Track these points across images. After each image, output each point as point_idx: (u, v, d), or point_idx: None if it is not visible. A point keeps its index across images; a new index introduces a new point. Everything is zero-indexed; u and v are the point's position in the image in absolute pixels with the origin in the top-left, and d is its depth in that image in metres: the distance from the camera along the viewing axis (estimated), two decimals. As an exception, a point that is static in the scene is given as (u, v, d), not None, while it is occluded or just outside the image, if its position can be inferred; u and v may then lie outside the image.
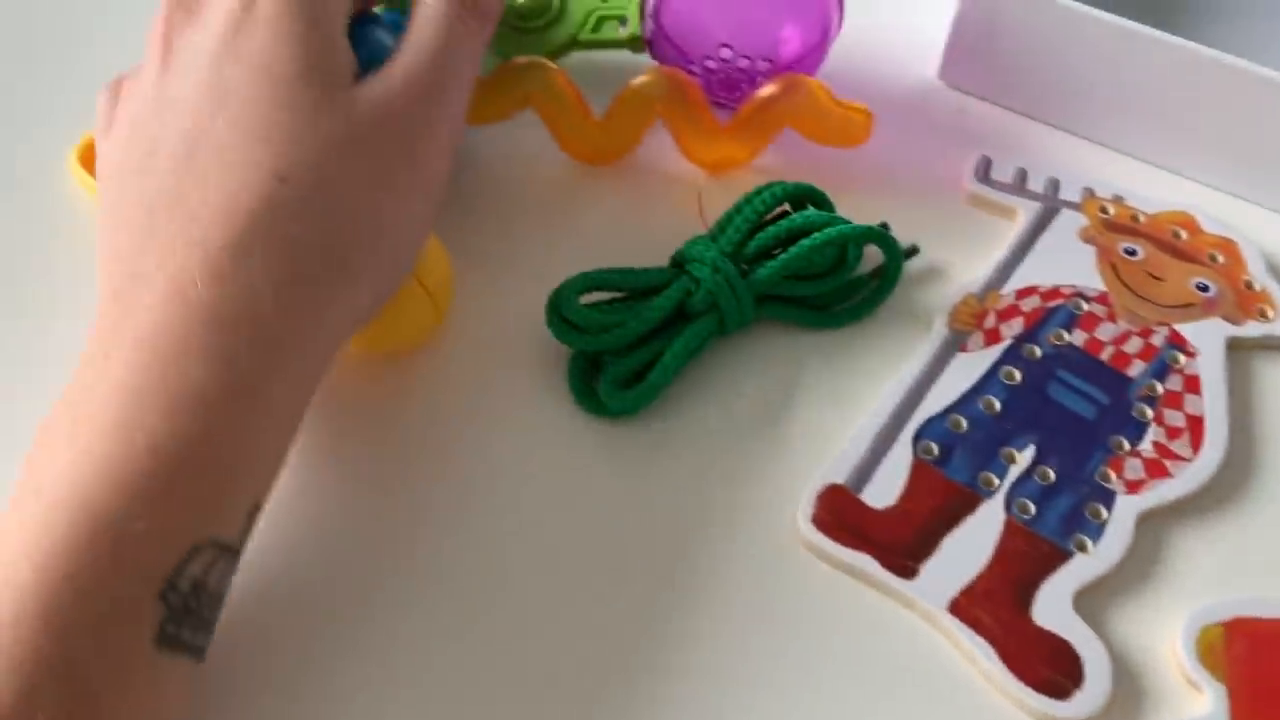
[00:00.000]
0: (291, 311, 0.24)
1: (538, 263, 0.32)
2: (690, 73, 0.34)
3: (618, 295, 0.32)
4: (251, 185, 0.24)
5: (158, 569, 0.22)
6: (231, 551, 0.23)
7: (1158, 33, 0.33)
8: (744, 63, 0.35)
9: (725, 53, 0.34)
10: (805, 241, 0.31)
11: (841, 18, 0.35)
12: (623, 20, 0.36)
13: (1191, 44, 0.33)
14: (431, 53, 0.27)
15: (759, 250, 0.31)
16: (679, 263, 0.31)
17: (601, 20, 0.36)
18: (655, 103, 0.33)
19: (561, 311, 0.30)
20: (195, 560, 0.22)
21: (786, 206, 0.33)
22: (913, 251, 0.33)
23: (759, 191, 0.32)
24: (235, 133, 0.25)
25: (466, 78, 0.28)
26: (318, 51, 0.25)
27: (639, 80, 0.33)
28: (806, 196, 0.33)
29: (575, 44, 0.36)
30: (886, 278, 0.32)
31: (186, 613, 0.22)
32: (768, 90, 0.33)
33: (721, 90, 0.35)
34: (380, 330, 0.28)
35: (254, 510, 0.24)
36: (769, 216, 0.32)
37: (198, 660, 0.23)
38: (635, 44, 0.36)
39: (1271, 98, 0.33)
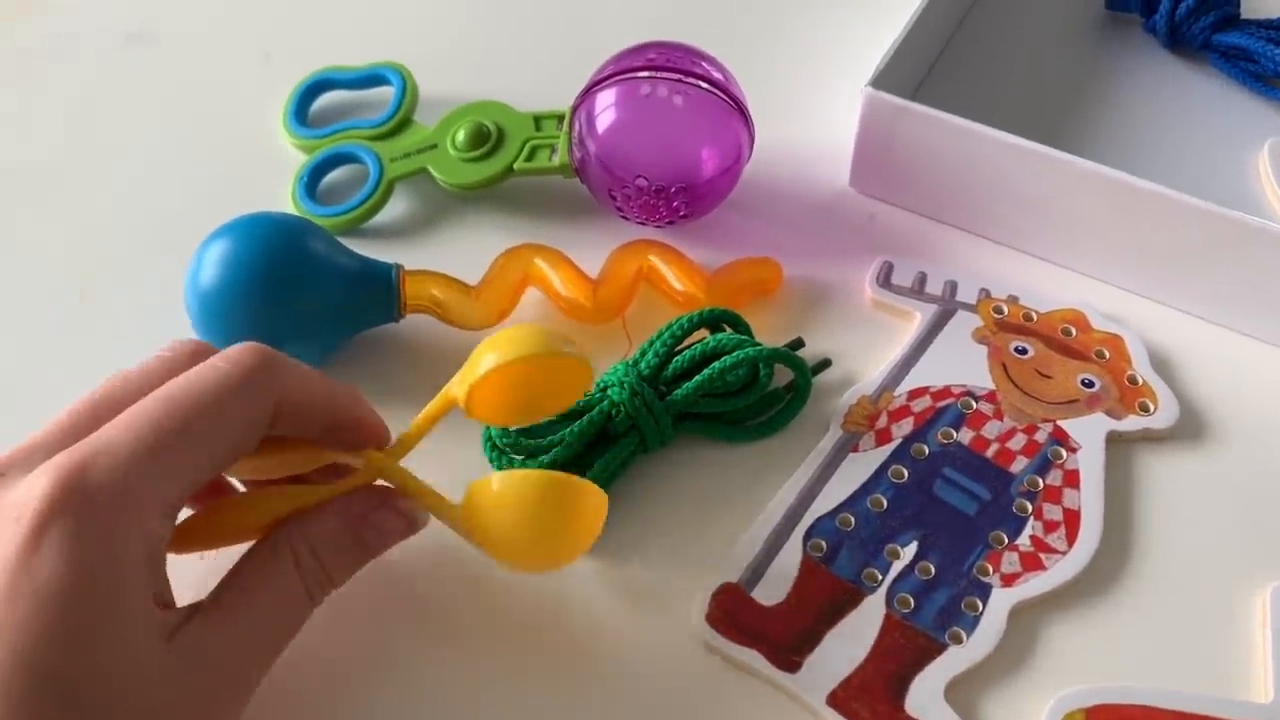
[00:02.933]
0: None
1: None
2: (613, 196, 0.37)
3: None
4: None
5: None
6: None
7: (1042, 147, 0.36)
8: (662, 185, 0.37)
9: (641, 182, 0.37)
10: (717, 364, 0.33)
11: (753, 141, 0.38)
12: (553, 148, 0.39)
13: (1073, 157, 0.36)
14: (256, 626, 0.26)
15: (677, 372, 0.34)
16: (603, 387, 0.34)
17: (535, 149, 0.40)
18: (527, 273, 0.36)
19: (491, 434, 0.33)
20: None
21: (705, 331, 0.35)
22: (824, 365, 0.36)
23: (678, 318, 0.35)
24: None
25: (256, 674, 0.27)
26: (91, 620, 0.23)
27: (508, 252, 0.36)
28: (722, 319, 0.35)
29: (511, 172, 0.39)
30: (798, 394, 0.35)
31: None
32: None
33: (642, 213, 0.38)
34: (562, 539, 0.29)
35: None
36: (688, 341, 0.35)
37: None
38: (565, 170, 0.39)
39: (1148, 203, 0.35)
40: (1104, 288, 0.38)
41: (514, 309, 0.36)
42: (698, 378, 0.33)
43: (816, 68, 0.45)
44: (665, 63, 0.36)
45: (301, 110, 0.43)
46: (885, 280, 0.37)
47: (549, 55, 0.46)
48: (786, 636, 0.30)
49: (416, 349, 0.36)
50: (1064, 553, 0.31)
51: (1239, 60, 0.44)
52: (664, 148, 0.37)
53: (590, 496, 0.29)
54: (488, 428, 0.33)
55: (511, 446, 0.33)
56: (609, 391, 0.33)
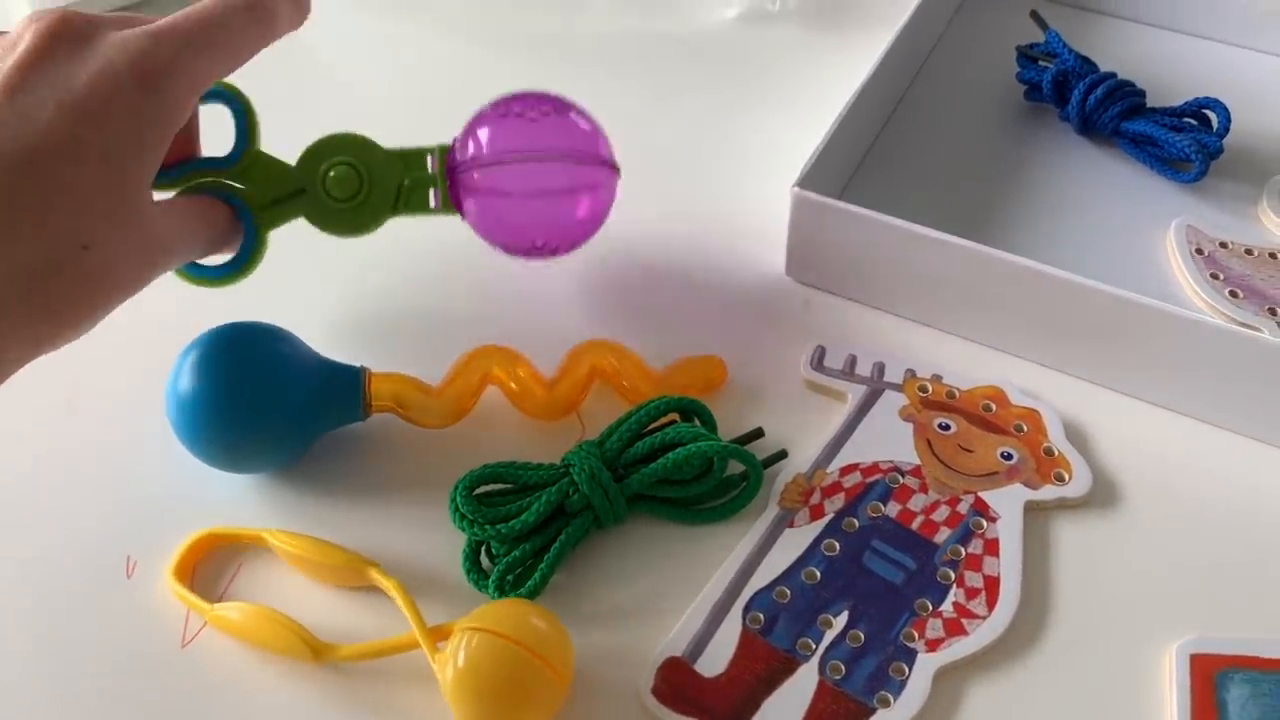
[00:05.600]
0: None
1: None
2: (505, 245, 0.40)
3: (509, 487, 0.37)
4: None
5: None
6: None
7: (955, 239, 0.39)
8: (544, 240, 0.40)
9: (539, 243, 0.40)
10: (673, 454, 0.36)
11: (617, 178, 0.40)
12: (432, 191, 0.39)
13: (984, 248, 0.39)
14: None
15: (638, 456, 0.36)
16: (566, 465, 0.36)
17: (411, 191, 0.39)
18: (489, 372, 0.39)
19: (456, 502, 0.35)
20: None
21: (675, 415, 0.38)
22: (780, 456, 0.38)
23: (646, 403, 0.37)
24: None
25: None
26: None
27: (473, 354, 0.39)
28: (690, 409, 0.38)
29: (393, 214, 0.39)
30: (748, 487, 0.37)
31: None
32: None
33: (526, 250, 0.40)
34: (515, 716, 0.31)
35: None
36: (653, 425, 0.37)
37: None
38: (449, 210, 0.40)
39: (1056, 288, 0.38)
40: (1022, 364, 0.41)
41: (473, 407, 0.39)
42: (654, 464, 0.36)
43: (761, 166, 0.49)
44: (533, 101, 0.39)
45: None
46: (819, 363, 0.40)
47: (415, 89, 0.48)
48: (727, 706, 0.32)
49: (381, 447, 0.39)
50: (984, 617, 0.33)
51: (1146, 146, 0.48)
52: (542, 196, 0.39)
53: (550, 686, 0.31)
54: (454, 493, 0.35)
55: (475, 515, 0.35)
56: (571, 470, 0.36)
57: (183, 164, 0.38)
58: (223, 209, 0.37)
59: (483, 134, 0.39)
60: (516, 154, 0.38)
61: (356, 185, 0.39)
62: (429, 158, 0.39)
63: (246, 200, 0.38)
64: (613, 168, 0.40)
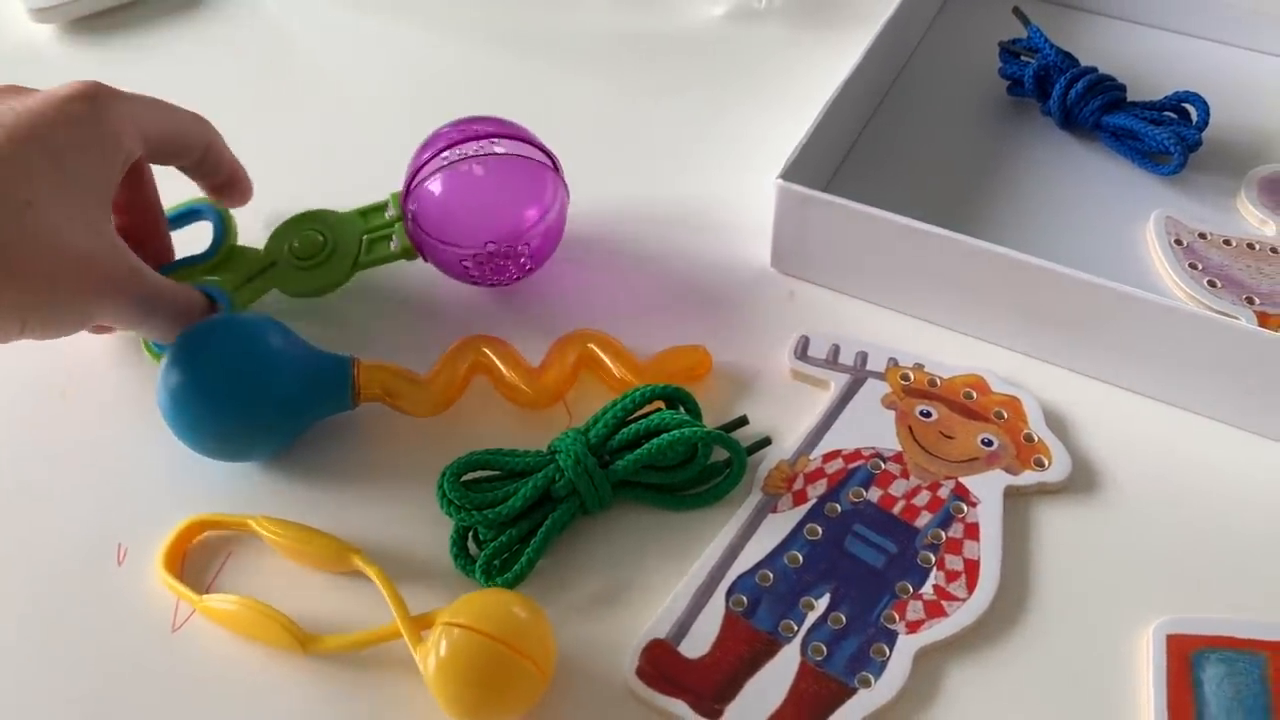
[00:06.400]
0: None
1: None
2: (465, 267, 0.41)
3: (496, 474, 0.38)
4: None
5: None
6: None
7: (937, 229, 0.40)
8: (500, 247, 0.40)
9: (492, 247, 0.40)
10: (657, 440, 0.36)
11: (567, 192, 0.42)
12: (390, 238, 0.42)
13: (965, 237, 0.39)
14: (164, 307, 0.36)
15: (623, 443, 0.37)
16: (552, 452, 0.37)
17: (373, 243, 0.42)
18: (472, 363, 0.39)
19: (444, 488, 0.36)
20: None
21: (660, 403, 0.38)
22: (764, 443, 0.38)
23: (631, 391, 0.38)
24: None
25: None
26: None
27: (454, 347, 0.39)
28: (675, 396, 0.38)
29: (356, 267, 0.42)
30: (732, 473, 0.37)
31: None
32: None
33: (494, 274, 0.41)
34: (495, 707, 0.31)
35: None
36: (639, 412, 0.38)
37: None
38: (409, 254, 0.42)
39: (1036, 277, 0.39)
40: (1002, 353, 0.41)
41: (461, 396, 0.39)
42: (639, 451, 0.36)
43: (747, 161, 0.49)
44: (465, 136, 0.40)
45: None
46: (802, 352, 0.41)
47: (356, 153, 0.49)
48: (710, 687, 0.32)
49: (370, 435, 0.39)
50: (964, 600, 0.34)
51: (1126, 139, 0.48)
52: (491, 212, 0.40)
53: (529, 678, 0.31)
54: (441, 479, 0.36)
55: (463, 500, 0.35)
56: (557, 457, 0.36)
57: (165, 266, 0.42)
58: (197, 294, 0.39)
59: (432, 188, 0.40)
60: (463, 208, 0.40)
61: (320, 244, 0.42)
62: (386, 208, 0.42)
63: (222, 284, 0.41)
64: (557, 171, 0.41)
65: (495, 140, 0.40)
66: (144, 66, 0.56)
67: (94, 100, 0.34)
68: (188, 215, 0.44)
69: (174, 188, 0.43)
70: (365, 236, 0.42)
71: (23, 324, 0.32)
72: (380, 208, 0.43)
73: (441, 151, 0.40)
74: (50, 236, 0.32)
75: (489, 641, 0.31)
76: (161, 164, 0.39)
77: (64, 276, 0.32)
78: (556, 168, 0.41)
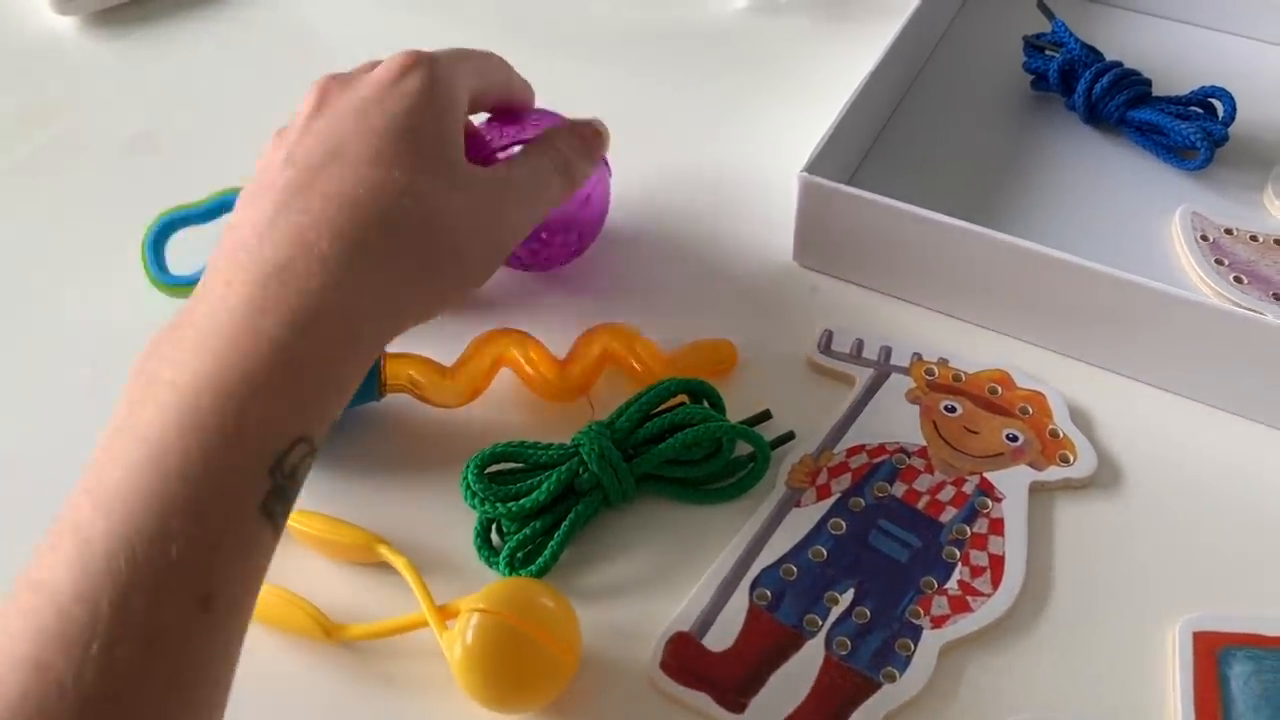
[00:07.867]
0: (385, 287, 0.30)
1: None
2: (518, 256, 0.41)
3: (521, 466, 0.38)
4: (371, 186, 0.31)
5: (269, 448, 0.26)
6: (314, 453, 0.28)
7: (962, 223, 0.39)
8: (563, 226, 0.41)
9: (545, 235, 0.41)
10: (681, 435, 0.36)
11: (608, 168, 0.42)
12: None
13: (991, 231, 0.39)
14: (530, 179, 0.36)
15: (647, 436, 0.37)
16: (576, 445, 0.37)
17: None
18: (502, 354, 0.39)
19: (468, 480, 0.36)
20: (296, 450, 0.27)
21: (684, 397, 0.38)
22: (787, 438, 0.38)
23: (656, 384, 0.38)
24: (368, 149, 0.32)
25: (535, 211, 0.37)
26: (438, 121, 0.34)
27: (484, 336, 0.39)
28: (699, 390, 0.38)
29: None
30: (756, 467, 0.37)
31: (281, 494, 0.27)
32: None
33: (544, 258, 0.42)
34: (521, 694, 0.32)
35: (331, 423, 0.29)
36: (663, 406, 0.38)
37: (275, 541, 0.27)
38: None
39: (1061, 271, 0.39)
40: (1027, 348, 0.41)
41: (487, 388, 0.39)
42: (662, 445, 0.36)
43: (770, 154, 0.49)
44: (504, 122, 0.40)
45: (159, 257, 0.43)
46: (826, 347, 0.41)
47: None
48: (733, 680, 0.32)
49: (396, 426, 0.39)
50: (989, 595, 0.34)
51: (1151, 134, 0.48)
52: None
53: (556, 666, 0.31)
54: (466, 471, 0.36)
55: (487, 493, 0.35)
56: (581, 450, 0.36)
57: (187, 276, 0.42)
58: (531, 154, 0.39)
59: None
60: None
61: None
62: None
63: None
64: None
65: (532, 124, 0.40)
66: (166, 58, 0.56)
67: (425, 71, 0.34)
68: (220, 207, 0.44)
69: (203, 179, 0.43)
70: None
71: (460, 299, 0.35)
72: None
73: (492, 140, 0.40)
74: (447, 218, 0.32)
75: (517, 628, 0.31)
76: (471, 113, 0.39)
77: (479, 246, 0.34)
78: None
